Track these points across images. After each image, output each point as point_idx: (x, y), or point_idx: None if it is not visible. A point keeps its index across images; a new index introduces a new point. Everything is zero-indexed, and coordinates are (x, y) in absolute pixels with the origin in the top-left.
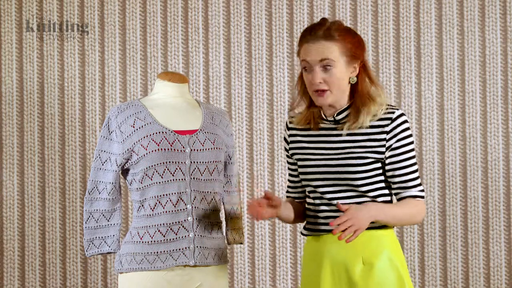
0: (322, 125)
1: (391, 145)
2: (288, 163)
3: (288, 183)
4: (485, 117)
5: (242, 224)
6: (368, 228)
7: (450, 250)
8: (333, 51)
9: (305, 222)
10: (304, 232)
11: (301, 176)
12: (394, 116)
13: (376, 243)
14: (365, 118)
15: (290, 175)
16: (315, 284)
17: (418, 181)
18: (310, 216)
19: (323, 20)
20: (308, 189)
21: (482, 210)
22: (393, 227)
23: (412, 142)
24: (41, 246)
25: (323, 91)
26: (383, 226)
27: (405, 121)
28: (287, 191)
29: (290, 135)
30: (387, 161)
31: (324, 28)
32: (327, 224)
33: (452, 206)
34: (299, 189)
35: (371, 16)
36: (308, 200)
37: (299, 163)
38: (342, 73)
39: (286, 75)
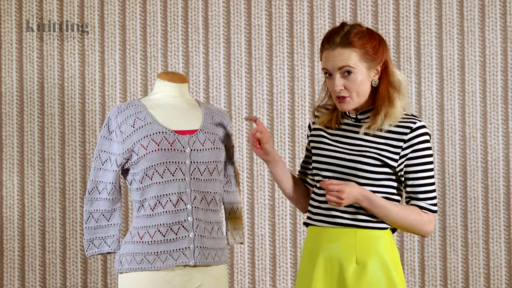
0: (344, 121)
1: (406, 154)
2: (306, 149)
3: (300, 168)
4: (485, 117)
5: (242, 224)
6: (365, 228)
7: (450, 250)
8: (351, 57)
9: (308, 212)
10: (307, 221)
11: (314, 165)
12: (415, 126)
13: (372, 244)
14: (383, 121)
15: (304, 162)
16: (308, 280)
17: (430, 195)
18: (314, 206)
19: (342, 25)
20: (317, 178)
21: (482, 210)
22: (393, 231)
23: (430, 155)
24: (41, 246)
25: (344, 97)
26: (380, 227)
27: (426, 133)
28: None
29: (313, 129)
30: (403, 170)
31: (342, 35)
32: (328, 216)
33: (452, 206)
34: (309, 176)
35: (371, 16)
36: (314, 190)
37: (314, 151)
38: (363, 78)
39: (286, 75)
